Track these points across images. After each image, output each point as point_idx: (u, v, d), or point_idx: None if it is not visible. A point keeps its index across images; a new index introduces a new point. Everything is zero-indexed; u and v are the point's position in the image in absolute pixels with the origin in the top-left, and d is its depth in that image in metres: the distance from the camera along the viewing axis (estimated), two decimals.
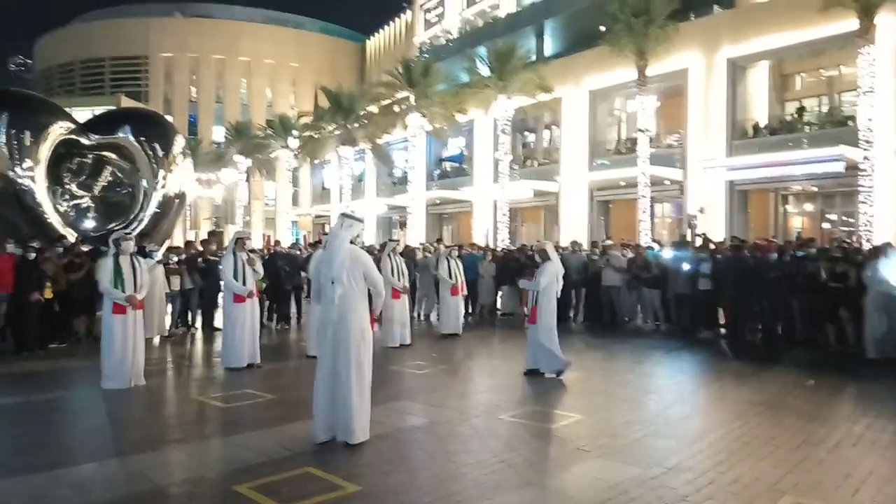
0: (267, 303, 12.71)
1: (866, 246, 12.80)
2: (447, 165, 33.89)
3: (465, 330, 12.15)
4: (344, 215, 5.63)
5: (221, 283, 10.02)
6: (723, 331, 11.61)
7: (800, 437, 5.60)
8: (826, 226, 20.71)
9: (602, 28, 21.10)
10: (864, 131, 16.13)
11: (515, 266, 13.80)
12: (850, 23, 16.07)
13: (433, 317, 14.02)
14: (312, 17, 56.79)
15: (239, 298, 8.67)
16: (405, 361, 9.34)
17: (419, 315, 14.31)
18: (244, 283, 8.68)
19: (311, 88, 46.90)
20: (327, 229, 39.27)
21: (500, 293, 15.14)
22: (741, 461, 4.98)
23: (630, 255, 13.17)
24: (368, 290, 5.49)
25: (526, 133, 31.28)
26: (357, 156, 33.91)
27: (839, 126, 18.90)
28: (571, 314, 13.80)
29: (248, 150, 37.38)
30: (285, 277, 12.96)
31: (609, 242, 14.72)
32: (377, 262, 7.86)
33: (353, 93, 30.75)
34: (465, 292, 12.76)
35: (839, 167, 17.02)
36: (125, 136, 15.61)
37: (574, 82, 24.98)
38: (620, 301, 12.97)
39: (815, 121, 20.24)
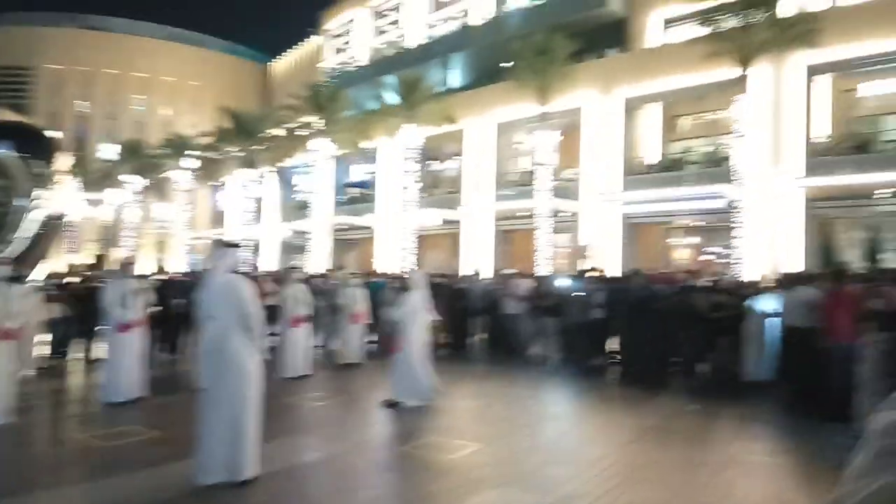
0: (157, 331, 12.00)
1: (738, 278, 13.80)
2: (352, 191, 33.69)
3: (369, 358, 12.00)
4: (217, 243, 5.44)
5: (106, 310, 9.37)
6: (615, 358, 12.09)
7: (685, 461, 5.89)
8: (707, 258, 22.21)
9: (507, 64, 21.88)
10: (741, 172, 17.52)
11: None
12: (729, 72, 17.51)
13: (336, 345, 13.74)
14: (216, 37, 55.40)
15: (124, 327, 8.14)
16: (303, 393, 9.08)
17: (321, 344, 13.97)
18: (130, 311, 8.16)
19: (213, 108, 45.56)
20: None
21: None
22: (633, 486, 5.16)
23: (530, 283, 13.52)
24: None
25: (432, 161, 31.70)
26: (259, 179, 33.08)
27: (720, 166, 20.44)
28: (476, 340, 13.97)
29: (141, 169, 35.60)
30: (177, 305, 12.32)
31: (510, 271, 15.06)
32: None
33: (257, 115, 30.11)
34: (370, 320, 12.61)
35: (719, 204, 18.35)
36: (4, 151, 14.47)
37: (478, 114, 25.66)
38: (520, 328, 13.25)
39: (699, 160, 21.80)
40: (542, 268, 20.50)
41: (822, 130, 19.12)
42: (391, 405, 8.06)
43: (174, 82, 49.08)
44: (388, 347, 9.76)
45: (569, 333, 12.72)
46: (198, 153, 33.60)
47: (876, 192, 16.94)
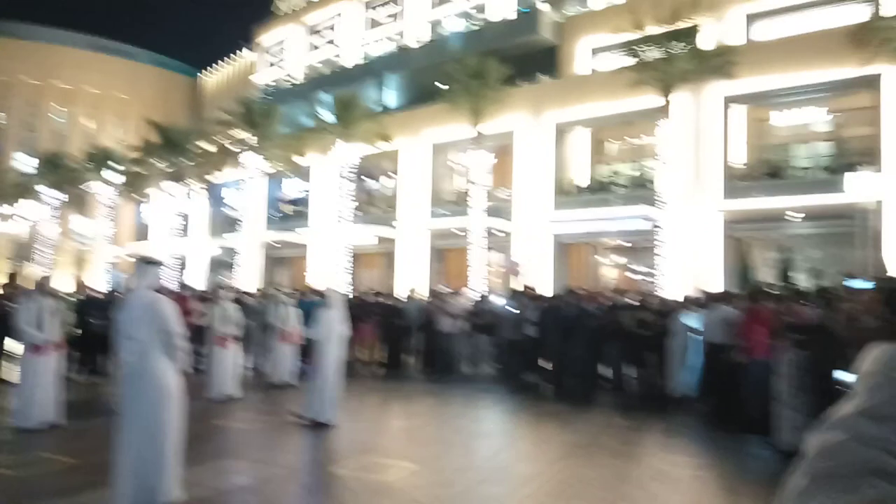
0: (76, 353, 11.42)
1: (663, 296, 14.33)
2: (286, 208, 33.15)
3: (301, 379, 11.73)
4: (141, 260, 5.24)
5: (20, 331, 8.83)
6: (547, 375, 12.30)
7: (614, 476, 6.04)
8: (633, 276, 23.00)
9: (441, 86, 22.17)
10: (663, 195, 18.28)
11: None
12: (653, 99, 18.32)
13: (266, 366, 13.40)
14: (144, 48, 53.62)
15: (38, 349, 7.70)
16: (231, 415, 8.80)
17: (251, 364, 13.60)
18: (45, 332, 7.73)
19: (140, 122, 43.98)
20: None
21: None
22: (565, 503, 5.25)
23: (464, 301, 13.63)
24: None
25: (367, 179, 31.62)
26: (187, 194, 32.10)
27: (644, 189, 21.28)
28: (411, 358, 13.93)
29: (61, 182, 33.89)
30: (96, 325, 11.76)
31: (444, 289, 15.13)
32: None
33: (186, 129, 29.27)
34: (302, 340, 12.37)
35: (643, 225, 19.08)
36: None
37: (413, 134, 25.83)
38: (455, 347, 13.31)
39: (625, 183, 22.63)
40: (476, 286, 20.70)
41: (739, 157, 20.24)
42: (304, 422, 8.06)
43: (99, 94, 47.16)
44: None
45: (502, 351, 12.91)
46: (122, 167, 32.30)
47: (787, 214, 18.03)
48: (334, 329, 8.17)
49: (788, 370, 6.82)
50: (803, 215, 17.97)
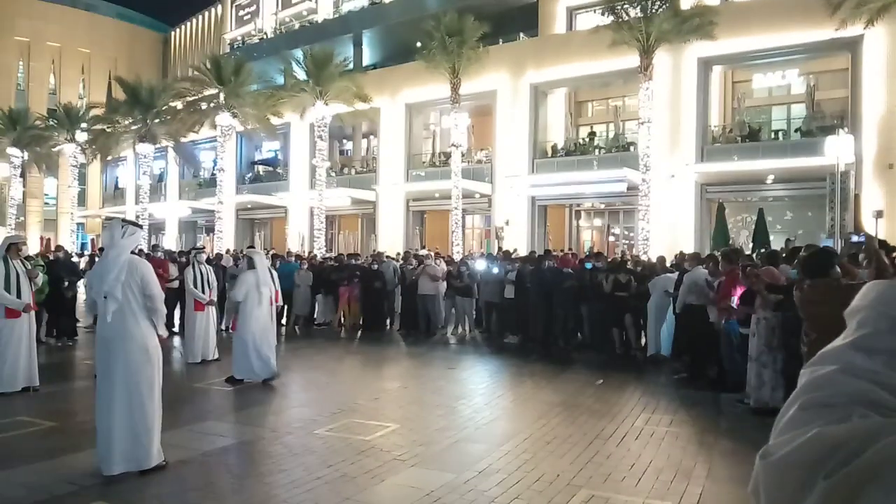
0: (46, 316, 11.24)
1: (644, 258, 14.49)
2: (260, 169, 32.61)
3: (279, 342, 11.69)
4: (125, 222, 5.20)
5: None
6: (526, 336, 12.44)
7: (592, 434, 6.16)
8: (611, 239, 23.20)
9: (418, 44, 21.74)
10: (643, 157, 18.31)
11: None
12: (634, 59, 18.19)
13: None
14: (109, 1, 51.43)
15: (12, 313, 7.53)
16: (211, 378, 8.76)
17: (227, 328, 13.51)
18: (19, 296, 7.56)
19: (105, 78, 42.41)
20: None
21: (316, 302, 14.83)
22: (544, 460, 5.35)
23: (445, 264, 13.64)
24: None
25: (344, 140, 31.16)
26: (158, 154, 31.32)
27: (623, 151, 21.29)
28: (388, 322, 13.97)
29: (24, 141, 32.77)
30: (68, 287, 11.55)
31: (424, 252, 15.11)
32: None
33: (154, 86, 28.34)
34: (280, 302, 12.29)
35: (622, 188, 19.14)
36: None
37: (391, 94, 25.39)
38: (435, 309, 13.36)
39: (604, 145, 22.61)
40: (457, 248, 20.71)
41: (717, 119, 20.32)
42: (233, 383, 8.24)
43: (59, 48, 45.34)
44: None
45: (481, 312, 13.01)
46: (87, 126, 31.30)
47: (766, 178, 18.25)
48: (253, 290, 8.32)
49: (762, 330, 6.96)
50: (773, 177, 18.19)
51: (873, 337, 0.68)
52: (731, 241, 15.68)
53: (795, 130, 19.28)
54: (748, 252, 12.58)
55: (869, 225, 14.55)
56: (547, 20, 25.01)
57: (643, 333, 10.76)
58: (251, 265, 8.55)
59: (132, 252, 5.11)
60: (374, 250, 17.64)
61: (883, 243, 7.21)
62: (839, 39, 15.99)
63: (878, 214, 15.41)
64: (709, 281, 8.78)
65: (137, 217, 27.72)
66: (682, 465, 5.28)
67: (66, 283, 11.47)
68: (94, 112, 31.90)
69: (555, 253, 13.95)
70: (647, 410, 7.18)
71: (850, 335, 0.70)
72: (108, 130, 30.03)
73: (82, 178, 38.44)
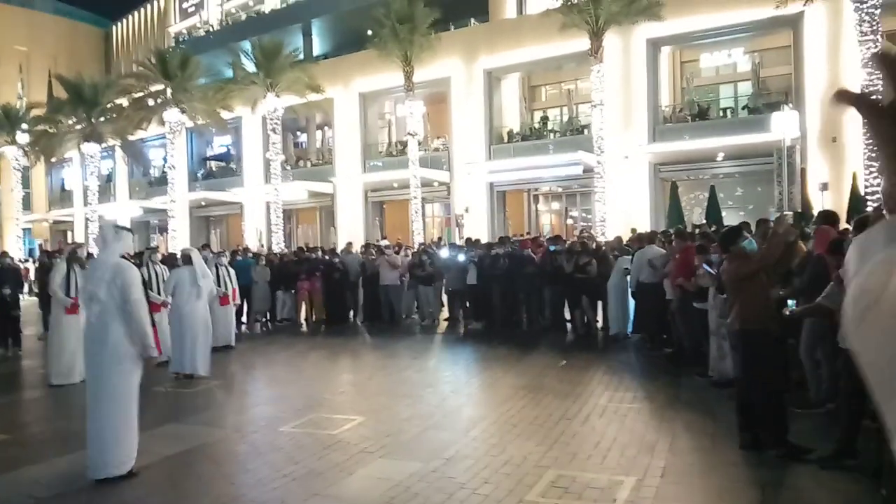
0: None
1: (601, 239, 14.69)
2: (213, 165, 31.90)
3: (239, 341, 11.50)
4: (117, 227, 5.29)
5: None
6: (489, 321, 12.50)
7: (557, 414, 6.23)
8: (569, 222, 23.45)
9: (369, 32, 21.49)
10: (597, 139, 18.51)
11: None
12: (584, 42, 18.33)
13: None
14: None
15: None
16: (169, 380, 8.55)
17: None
18: None
19: (45, 76, 40.77)
20: (70, 238, 34.47)
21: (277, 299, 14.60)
22: (510, 443, 5.39)
23: (405, 253, 13.59)
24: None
25: (298, 133, 30.69)
26: (105, 153, 30.32)
27: (577, 134, 21.49)
28: (351, 315, 13.86)
29: None
30: (11, 295, 11.14)
31: (385, 242, 15.02)
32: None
33: (98, 83, 27.38)
34: (238, 300, 12.08)
35: (578, 170, 19.34)
36: None
37: (344, 84, 25.09)
38: (398, 299, 13.31)
39: (558, 129, 22.78)
40: (418, 238, 20.65)
41: (668, 99, 20.66)
42: (181, 377, 8.44)
43: None
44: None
45: (444, 300, 13.01)
46: (28, 126, 30.10)
47: (716, 156, 18.65)
48: (188, 286, 8.60)
49: (718, 302, 7.12)
50: (723, 155, 18.62)
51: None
52: (683, 219, 15.99)
53: (743, 108, 19.74)
54: (703, 228, 12.83)
55: (815, 198, 15.02)
56: (497, 5, 24.99)
57: (604, 313, 10.90)
58: (187, 262, 8.85)
59: (122, 256, 5.17)
60: (335, 244, 17.49)
61: (830, 214, 7.44)
62: (781, 17, 16.36)
63: (824, 187, 15.92)
64: (651, 261, 8.98)
65: (87, 220, 26.86)
66: (645, 439, 5.38)
67: (9, 291, 11.06)
68: (34, 112, 30.67)
69: (515, 238, 14.04)
70: (609, 388, 7.29)
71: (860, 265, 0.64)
72: (51, 131, 28.95)
73: (26, 182, 36.95)
